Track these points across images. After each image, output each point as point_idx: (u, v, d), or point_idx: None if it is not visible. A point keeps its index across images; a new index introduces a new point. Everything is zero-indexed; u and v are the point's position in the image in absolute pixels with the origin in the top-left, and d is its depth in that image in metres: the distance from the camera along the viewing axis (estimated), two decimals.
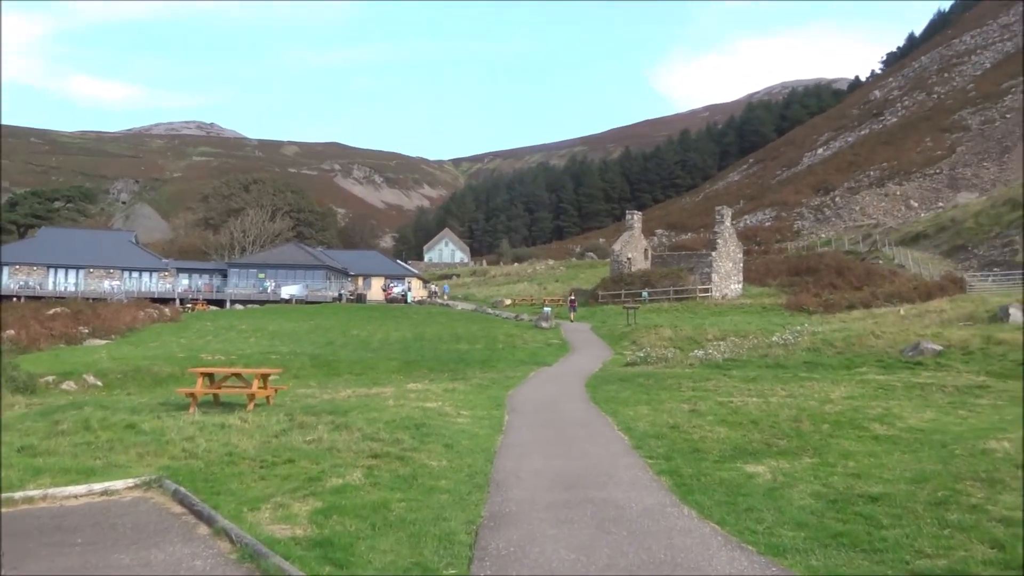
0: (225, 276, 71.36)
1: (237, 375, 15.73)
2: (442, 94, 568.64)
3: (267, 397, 15.04)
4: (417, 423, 11.07)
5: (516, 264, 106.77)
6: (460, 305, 57.43)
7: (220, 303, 64.26)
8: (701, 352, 24.52)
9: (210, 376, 15.39)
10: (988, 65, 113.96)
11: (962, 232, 59.28)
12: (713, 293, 52.50)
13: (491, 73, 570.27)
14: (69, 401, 14.90)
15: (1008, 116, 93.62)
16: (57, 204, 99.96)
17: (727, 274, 54.83)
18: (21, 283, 66.58)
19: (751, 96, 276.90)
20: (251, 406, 14.22)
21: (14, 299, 60.35)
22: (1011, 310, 27.03)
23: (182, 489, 7.01)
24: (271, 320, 44.52)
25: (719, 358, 22.66)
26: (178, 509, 6.68)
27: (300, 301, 63.13)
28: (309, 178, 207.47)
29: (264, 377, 15.28)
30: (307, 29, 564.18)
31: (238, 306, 61.68)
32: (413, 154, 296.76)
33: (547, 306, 46.19)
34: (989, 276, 46.99)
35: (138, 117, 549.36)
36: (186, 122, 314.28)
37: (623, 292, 52.22)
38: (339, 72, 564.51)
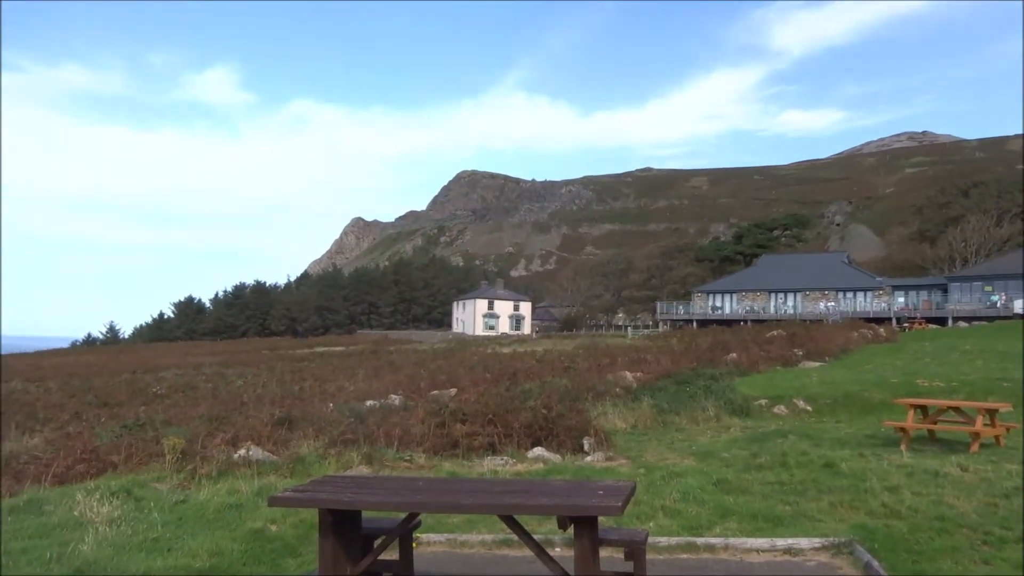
0: (945, 291, 66.08)
1: (956, 409, 13.46)
2: None
3: (996, 437, 12.45)
4: None
5: None
6: None
7: (940, 320, 59.65)
8: None
9: (923, 408, 13.55)
10: None
11: None
12: None
13: None
14: (775, 428, 14.88)
15: None
16: (775, 233, 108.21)
17: None
18: (747, 308, 73.54)
19: None
20: (975, 447, 11.92)
21: (741, 323, 66.84)
22: None
23: (875, 564, 5.69)
24: (1001, 339, 38.59)
25: None
26: None
27: None
28: None
29: (991, 412, 12.70)
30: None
31: (962, 323, 56.15)
32: None
33: None
34: None
35: (847, 139, 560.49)
36: (896, 135, 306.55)
37: None
38: None
